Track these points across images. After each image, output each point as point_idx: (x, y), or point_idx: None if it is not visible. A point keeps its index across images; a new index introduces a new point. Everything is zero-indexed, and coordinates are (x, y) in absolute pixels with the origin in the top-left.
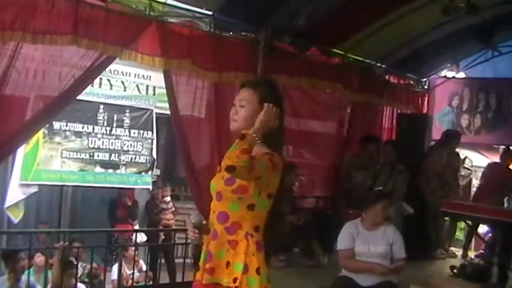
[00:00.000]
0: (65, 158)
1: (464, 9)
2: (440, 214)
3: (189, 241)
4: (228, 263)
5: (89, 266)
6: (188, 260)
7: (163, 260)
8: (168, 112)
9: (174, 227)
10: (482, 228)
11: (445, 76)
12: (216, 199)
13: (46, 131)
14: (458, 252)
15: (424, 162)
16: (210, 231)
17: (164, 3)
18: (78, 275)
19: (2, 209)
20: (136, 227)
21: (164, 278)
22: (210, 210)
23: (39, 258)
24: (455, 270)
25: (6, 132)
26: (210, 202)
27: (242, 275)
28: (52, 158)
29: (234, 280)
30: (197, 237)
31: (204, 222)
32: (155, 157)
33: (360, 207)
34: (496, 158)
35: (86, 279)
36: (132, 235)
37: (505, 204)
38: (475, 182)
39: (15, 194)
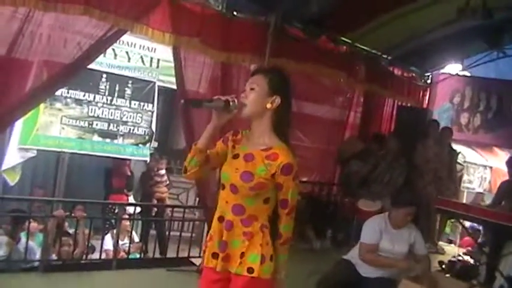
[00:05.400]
0: (64, 124)
1: (480, 14)
2: (434, 210)
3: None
4: (242, 254)
5: None
6: (184, 234)
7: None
8: (169, 85)
9: (167, 200)
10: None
11: (448, 73)
12: (231, 191)
13: None
14: (446, 247)
15: (417, 156)
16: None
17: None
18: None
19: None
20: (131, 198)
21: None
22: (218, 197)
23: (31, 224)
24: (443, 266)
25: (14, 99)
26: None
27: (260, 265)
28: (51, 124)
29: (249, 270)
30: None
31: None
32: (154, 130)
33: (355, 196)
34: (490, 157)
35: None
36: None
37: None
38: (466, 178)
39: (13, 157)
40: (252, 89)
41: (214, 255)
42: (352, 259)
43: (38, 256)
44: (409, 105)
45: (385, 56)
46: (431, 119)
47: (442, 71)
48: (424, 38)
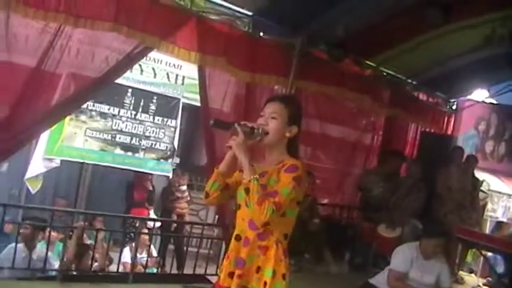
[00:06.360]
0: (88, 136)
1: (507, 42)
2: (455, 239)
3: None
4: (258, 268)
5: None
6: (201, 251)
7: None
8: (193, 102)
9: (187, 216)
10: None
11: (474, 99)
12: (247, 206)
13: None
14: (466, 277)
15: (439, 183)
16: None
17: None
18: None
19: (22, 181)
20: (151, 212)
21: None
22: (235, 217)
23: (52, 234)
24: None
25: (42, 110)
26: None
27: (271, 279)
28: (76, 136)
29: (264, 284)
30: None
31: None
32: (176, 146)
33: (375, 221)
34: None
35: None
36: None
37: None
38: (490, 207)
39: (37, 166)
40: (273, 117)
41: (230, 275)
42: (378, 284)
43: (55, 265)
44: (433, 131)
45: (410, 81)
46: (455, 146)
47: (468, 97)
48: (450, 64)
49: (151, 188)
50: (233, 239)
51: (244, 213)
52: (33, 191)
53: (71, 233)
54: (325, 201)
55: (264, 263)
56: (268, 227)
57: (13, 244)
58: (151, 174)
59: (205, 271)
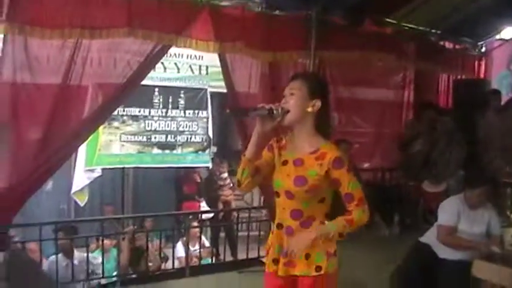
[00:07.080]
0: (124, 141)
1: None
2: (501, 184)
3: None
4: (307, 255)
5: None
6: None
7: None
8: (221, 89)
9: (233, 202)
10: None
11: (502, 38)
12: (287, 197)
13: None
14: None
15: (479, 130)
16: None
17: None
18: None
19: (69, 195)
20: (203, 204)
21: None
22: (275, 204)
23: (105, 241)
24: None
25: (76, 124)
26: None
27: (327, 261)
28: (112, 143)
29: (316, 269)
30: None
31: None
32: (211, 135)
33: (417, 179)
34: None
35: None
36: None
37: None
38: None
39: (81, 179)
40: (291, 94)
41: (275, 261)
42: (429, 241)
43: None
44: (465, 77)
45: (434, 31)
46: (491, 89)
47: (495, 37)
48: (472, 6)
49: (199, 180)
50: (275, 226)
51: (286, 203)
52: (81, 204)
53: (123, 238)
54: (366, 165)
55: (312, 249)
56: (311, 215)
57: (53, 257)
58: (196, 167)
59: (258, 254)
